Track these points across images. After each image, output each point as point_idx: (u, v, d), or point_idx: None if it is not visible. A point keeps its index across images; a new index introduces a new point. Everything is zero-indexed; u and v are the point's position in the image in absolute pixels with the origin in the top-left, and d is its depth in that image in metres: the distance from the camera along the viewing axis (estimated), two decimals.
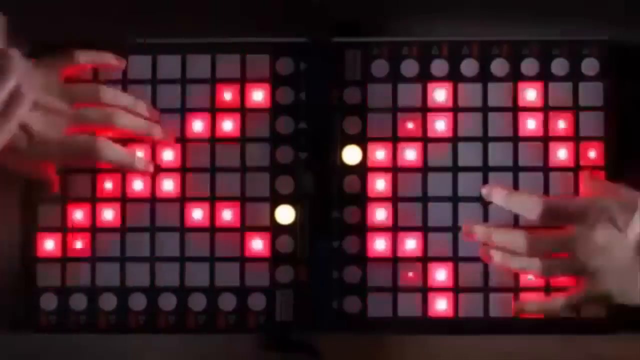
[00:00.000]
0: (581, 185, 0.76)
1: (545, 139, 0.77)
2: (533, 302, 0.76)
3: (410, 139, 0.78)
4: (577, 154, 0.77)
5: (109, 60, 0.77)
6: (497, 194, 0.76)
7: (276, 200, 0.78)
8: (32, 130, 0.71)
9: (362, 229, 0.77)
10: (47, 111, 0.72)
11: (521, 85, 0.78)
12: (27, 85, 0.67)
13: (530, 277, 0.76)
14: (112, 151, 0.75)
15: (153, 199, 0.78)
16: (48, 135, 0.72)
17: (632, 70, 0.78)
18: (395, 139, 0.78)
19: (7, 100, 0.66)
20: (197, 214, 0.78)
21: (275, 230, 0.78)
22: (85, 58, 0.76)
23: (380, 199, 0.78)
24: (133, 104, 0.77)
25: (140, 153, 0.77)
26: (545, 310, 0.75)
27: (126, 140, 0.77)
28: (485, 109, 0.78)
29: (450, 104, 0.78)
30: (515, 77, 0.78)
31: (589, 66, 0.78)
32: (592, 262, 0.71)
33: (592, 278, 0.72)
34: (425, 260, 0.77)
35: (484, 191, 0.76)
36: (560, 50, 0.78)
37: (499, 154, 0.77)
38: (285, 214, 0.78)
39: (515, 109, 0.78)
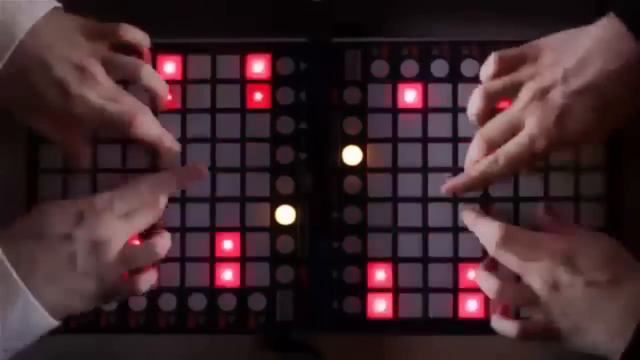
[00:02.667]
0: (537, 219, 0.76)
1: None
2: (496, 321, 0.75)
3: (411, 139, 0.78)
4: (577, 155, 0.77)
5: (145, 43, 0.77)
6: (466, 217, 0.76)
7: (276, 200, 0.78)
8: (69, 87, 0.71)
9: (362, 229, 0.77)
10: (87, 74, 0.72)
11: None
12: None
13: None
14: (150, 127, 0.75)
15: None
16: (85, 96, 0.71)
17: None
18: (395, 139, 0.78)
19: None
20: (197, 214, 0.78)
21: (275, 230, 0.78)
22: (131, 35, 0.76)
23: (380, 200, 0.78)
24: (165, 93, 0.77)
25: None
26: (505, 332, 0.74)
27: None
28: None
29: (450, 104, 0.78)
30: None
31: None
32: (543, 299, 0.70)
33: (545, 314, 0.71)
34: (425, 260, 0.77)
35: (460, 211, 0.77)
36: None
37: None
38: (285, 214, 0.78)
39: None
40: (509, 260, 0.72)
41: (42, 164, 0.78)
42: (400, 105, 0.78)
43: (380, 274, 0.77)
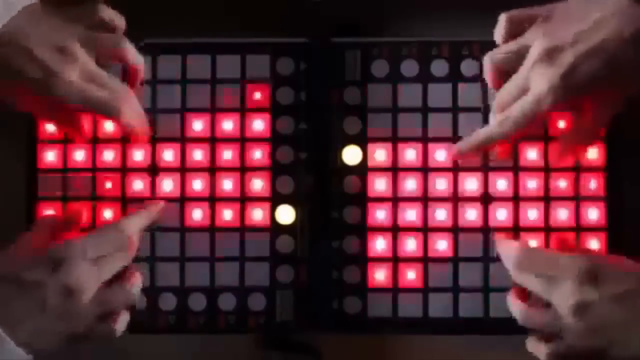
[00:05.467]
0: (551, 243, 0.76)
1: (545, 140, 0.77)
2: (530, 341, 0.73)
3: (411, 139, 0.78)
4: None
5: (121, 25, 0.76)
6: (496, 239, 0.76)
7: (276, 200, 0.78)
8: (50, 68, 0.70)
9: (362, 229, 0.77)
10: (67, 54, 0.71)
11: None
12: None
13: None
14: (132, 115, 0.74)
15: (153, 199, 0.78)
16: (67, 77, 0.71)
17: None
18: (395, 139, 0.78)
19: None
20: (197, 213, 0.78)
21: (275, 230, 0.78)
22: (107, 14, 0.75)
23: (380, 199, 0.78)
24: (142, 72, 0.77)
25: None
26: (538, 354, 0.72)
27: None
28: (485, 109, 0.78)
29: (450, 104, 0.78)
30: None
31: None
32: (573, 320, 0.68)
33: (577, 335, 0.68)
34: (425, 260, 0.77)
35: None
36: None
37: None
38: (285, 214, 0.78)
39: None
40: (531, 284, 0.70)
41: (42, 164, 0.78)
42: (400, 105, 0.78)
43: (380, 274, 0.77)
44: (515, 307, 0.72)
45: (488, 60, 0.74)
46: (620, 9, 0.68)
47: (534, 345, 0.72)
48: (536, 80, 0.70)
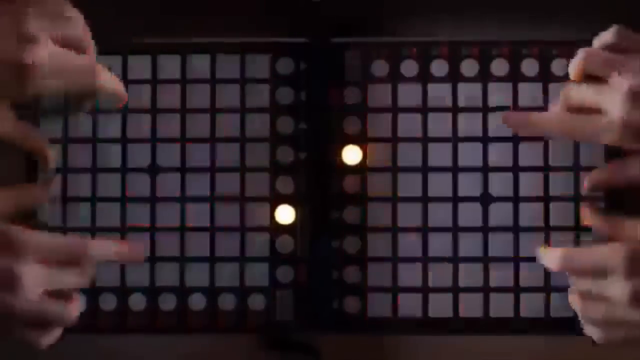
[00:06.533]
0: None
1: (545, 140, 0.77)
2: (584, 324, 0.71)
3: (411, 139, 0.78)
4: (577, 156, 0.77)
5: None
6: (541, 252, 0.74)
7: (276, 200, 0.78)
8: (19, 56, 0.66)
9: (362, 229, 0.78)
10: (31, 38, 0.67)
11: (521, 85, 0.78)
12: None
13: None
14: (109, 79, 0.71)
15: (153, 199, 0.78)
16: (39, 56, 0.66)
17: None
18: (395, 139, 0.78)
19: None
20: (196, 214, 0.78)
21: (275, 230, 0.78)
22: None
23: (380, 199, 0.78)
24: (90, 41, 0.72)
25: None
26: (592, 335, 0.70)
27: None
28: (485, 109, 0.78)
29: (450, 104, 0.78)
30: (515, 77, 0.78)
31: None
32: (628, 311, 0.66)
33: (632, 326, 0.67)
34: (425, 260, 0.77)
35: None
36: (559, 51, 0.78)
37: (499, 154, 0.77)
38: (285, 214, 0.78)
39: (516, 110, 0.78)
40: (579, 282, 0.69)
41: (42, 164, 0.78)
42: (400, 105, 0.78)
43: (380, 274, 0.77)
44: (575, 303, 0.70)
45: (565, 95, 0.71)
46: None
47: (587, 328, 0.70)
48: (611, 112, 0.67)
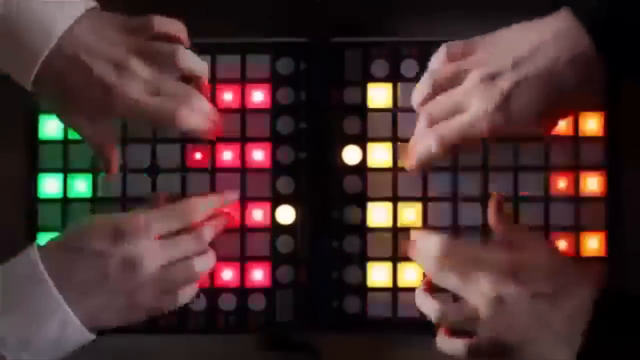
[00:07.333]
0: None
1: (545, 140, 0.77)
2: (442, 341, 0.73)
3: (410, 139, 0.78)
4: (578, 155, 0.77)
5: (179, 29, 0.76)
6: (411, 234, 0.77)
7: (276, 200, 0.78)
8: (110, 85, 0.71)
9: (362, 229, 0.78)
10: (126, 70, 0.71)
11: None
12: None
13: None
14: (190, 118, 0.74)
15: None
16: (127, 93, 0.71)
17: (631, 70, 0.78)
18: (395, 139, 0.78)
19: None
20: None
21: (275, 230, 0.78)
22: (165, 25, 0.75)
23: (380, 199, 0.78)
24: (205, 72, 0.77)
25: None
26: (453, 352, 0.72)
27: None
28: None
29: None
30: None
31: None
32: (488, 315, 0.69)
33: (490, 330, 0.70)
34: None
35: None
36: None
37: (499, 154, 0.77)
38: (285, 214, 0.78)
39: None
40: (448, 280, 0.71)
41: (42, 164, 0.78)
42: (399, 105, 0.78)
43: (380, 274, 0.77)
44: (427, 305, 0.73)
45: (429, 76, 0.73)
46: (558, 35, 0.69)
47: (447, 343, 0.72)
48: (474, 104, 0.70)
